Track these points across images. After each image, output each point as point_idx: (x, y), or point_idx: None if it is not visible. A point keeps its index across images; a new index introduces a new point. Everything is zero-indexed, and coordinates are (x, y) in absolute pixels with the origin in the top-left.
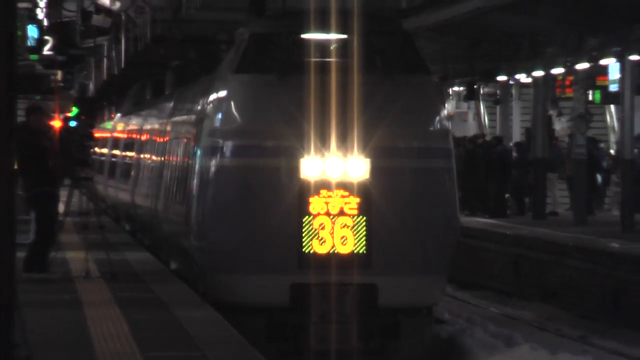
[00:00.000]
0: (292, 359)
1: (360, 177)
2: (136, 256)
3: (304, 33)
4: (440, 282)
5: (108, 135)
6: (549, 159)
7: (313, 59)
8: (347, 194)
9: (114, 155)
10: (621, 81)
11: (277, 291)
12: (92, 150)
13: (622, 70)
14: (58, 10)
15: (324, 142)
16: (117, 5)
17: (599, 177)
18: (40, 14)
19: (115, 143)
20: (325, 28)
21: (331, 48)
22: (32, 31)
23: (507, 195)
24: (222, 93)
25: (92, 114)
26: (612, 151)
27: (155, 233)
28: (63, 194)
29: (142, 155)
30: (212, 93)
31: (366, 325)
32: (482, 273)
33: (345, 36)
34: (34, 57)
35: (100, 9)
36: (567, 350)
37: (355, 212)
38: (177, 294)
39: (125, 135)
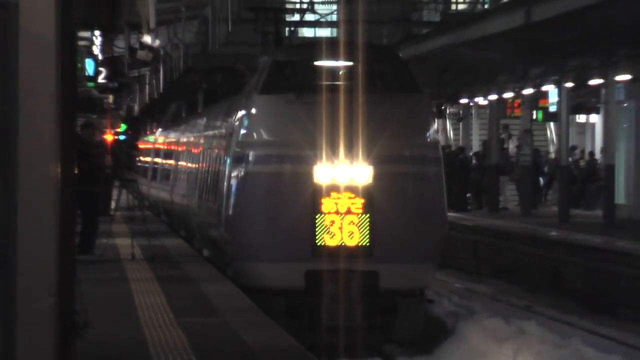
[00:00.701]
0: (307, 334)
1: (364, 182)
2: (172, 242)
3: (317, 60)
4: (431, 269)
5: (150, 146)
6: (501, 165)
7: (325, 82)
8: (353, 195)
9: (156, 162)
10: (558, 103)
11: (294, 277)
12: (137, 158)
13: (559, 94)
14: (110, 47)
15: (333, 151)
16: (157, 42)
17: (541, 180)
18: (96, 50)
19: (156, 152)
20: (335, 56)
21: (340, 73)
22: (89, 64)
23: (468, 194)
24: (249, 110)
25: (137, 129)
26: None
27: (190, 226)
28: (114, 192)
29: (179, 162)
30: (240, 110)
31: (369, 306)
32: (448, 256)
33: (351, 63)
34: (91, 84)
35: (144, 46)
36: (515, 317)
37: (360, 211)
38: (204, 272)
39: (165, 146)
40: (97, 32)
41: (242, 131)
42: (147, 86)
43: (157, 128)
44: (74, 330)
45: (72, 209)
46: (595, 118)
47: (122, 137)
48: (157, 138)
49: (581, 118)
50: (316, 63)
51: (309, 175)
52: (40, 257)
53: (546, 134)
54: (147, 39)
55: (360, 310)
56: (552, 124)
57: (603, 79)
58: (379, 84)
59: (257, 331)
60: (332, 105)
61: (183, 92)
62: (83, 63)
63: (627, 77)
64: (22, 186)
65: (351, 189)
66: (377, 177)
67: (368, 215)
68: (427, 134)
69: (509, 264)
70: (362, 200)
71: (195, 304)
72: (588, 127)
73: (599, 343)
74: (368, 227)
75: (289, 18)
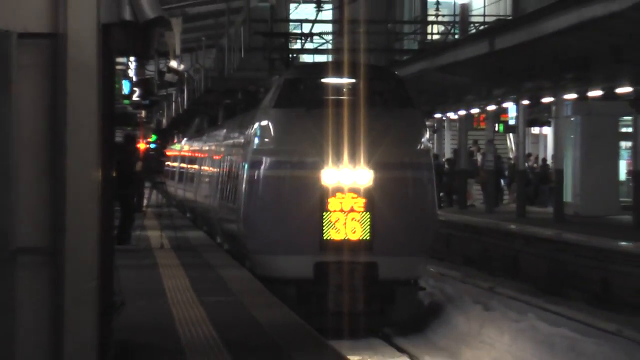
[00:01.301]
0: (316, 318)
1: (366, 184)
2: (194, 235)
3: (324, 78)
4: (424, 261)
5: (177, 153)
6: (469, 170)
7: (331, 97)
8: (356, 196)
9: (182, 167)
10: (516, 118)
11: (304, 268)
12: (165, 163)
13: (517, 110)
14: (143, 70)
15: (338, 158)
16: (182, 67)
17: (502, 182)
18: (131, 72)
19: (182, 159)
20: (339, 75)
21: (344, 89)
22: (125, 84)
23: (441, 194)
24: (264, 122)
25: (165, 139)
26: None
27: (212, 223)
28: (146, 192)
29: (202, 167)
30: (256, 122)
31: (370, 293)
32: None
33: (354, 80)
34: (126, 102)
35: (171, 70)
36: (481, 296)
37: (362, 209)
38: (221, 259)
39: (190, 154)
40: (132, 58)
41: (258, 140)
42: (173, 103)
43: (183, 138)
44: (113, 307)
45: (111, 206)
46: (547, 130)
47: (152, 146)
48: (183, 147)
49: (535, 130)
50: (323, 81)
51: (317, 179)
52: (85, 246)
53: (506, 143)
54: (173, 63)
55: (362, 297)
56: (511, 135)
57: (553, 97)
58: (379, 99)
59: (266, 310)
60: (337, 117)
61: (204, 108)
62: (120, 84)
63: (573, 96)
64: (70, 188)
65: (354, 190)
66: (376, 180)
67: (369, 213)
68: (420, 143)
69: (475, 253)
70: (364, 200)
71: (214, 286)
72: (541, 137)
73: (549, 318)
74: (369, 224)
75: (291, 45)
